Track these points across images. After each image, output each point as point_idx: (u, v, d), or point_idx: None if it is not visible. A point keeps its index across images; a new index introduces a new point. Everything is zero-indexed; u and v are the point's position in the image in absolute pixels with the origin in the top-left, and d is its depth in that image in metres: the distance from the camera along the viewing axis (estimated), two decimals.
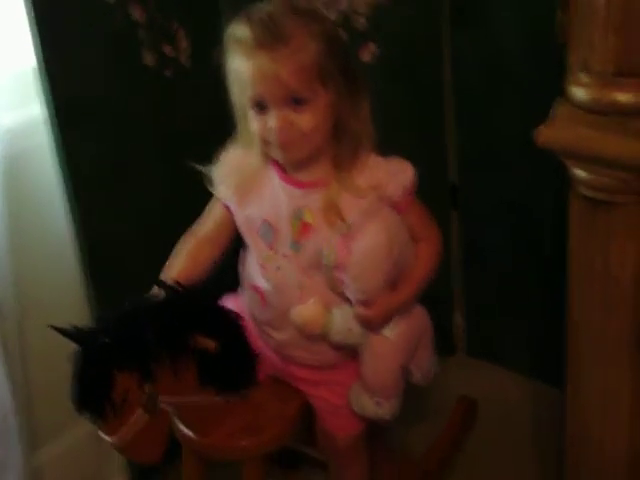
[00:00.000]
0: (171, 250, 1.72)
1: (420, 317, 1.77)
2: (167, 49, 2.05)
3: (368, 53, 2.13)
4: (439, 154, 2.38)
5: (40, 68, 1.82)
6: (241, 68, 1.55)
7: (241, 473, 1.73)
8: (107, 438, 1.49)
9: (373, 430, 1.87)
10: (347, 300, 1.65)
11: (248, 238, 1.71)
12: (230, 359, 1.61)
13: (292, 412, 1.77)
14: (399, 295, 1.68)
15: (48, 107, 1.85)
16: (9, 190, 1.87)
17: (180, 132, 2.11)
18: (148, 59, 2.02)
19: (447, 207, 2.44)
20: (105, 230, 2.01)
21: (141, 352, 1.46)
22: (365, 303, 1.63)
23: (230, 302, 1.81)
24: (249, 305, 1.77)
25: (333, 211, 1.61)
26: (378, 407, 1.72)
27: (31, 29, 1.78)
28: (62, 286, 2.07)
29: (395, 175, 1.63)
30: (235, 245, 1.76)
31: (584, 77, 1.34)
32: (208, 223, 1.76)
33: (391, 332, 1.69)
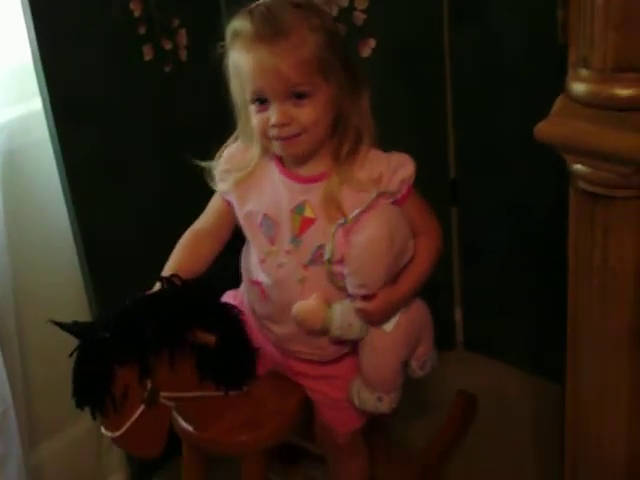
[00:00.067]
0: (171, 246, 1.72)
1: (420, 311, 1.77)
2: (166, 45, 2.05)
3: (368, 49, 2.13)
4: (439, 150, 2.38)
5: (37, 64, 1.81)
6: (241, 62, 1.55)
7: (241, 468, 1.73)
8: (107, 433, 1.49)
9: (372, 424, 1.87)
10: (348, 295, 1.65)
11: (249, 233, 1.71)
12: (230, 354, 1.62)
13: (292, 407, 1.77)
14: (399, 289, 1.67)
15: (46, 103, 1.85)
16: (8, 185, 1.88)
17: (180, 128, 2.11)
18: (147, 55, 2.02)
19: (447, 203, 2.44)
20: (104, 226, 2.01)
21: (141, 346, 1.47)
22: (365, 297, 1.63)
23: (231, 298, 1.81)
24: (249, 299, 1.77)
25: (333, 205, 1.61)
26: (378, 401, 1.72)
27: (28, 24, 1.78)
28: (61, 282, 2.07)
29: (395, 169, 1.63)
30: (237, 243, 1.76)
31: (583, 72, 1.34)
32: (209, 218, 1.76)
33: (391, 326, 1.69)
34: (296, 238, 1.64)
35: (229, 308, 1.65)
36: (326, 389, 1.77)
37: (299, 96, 1.53)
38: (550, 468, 2.08)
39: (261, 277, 1.70)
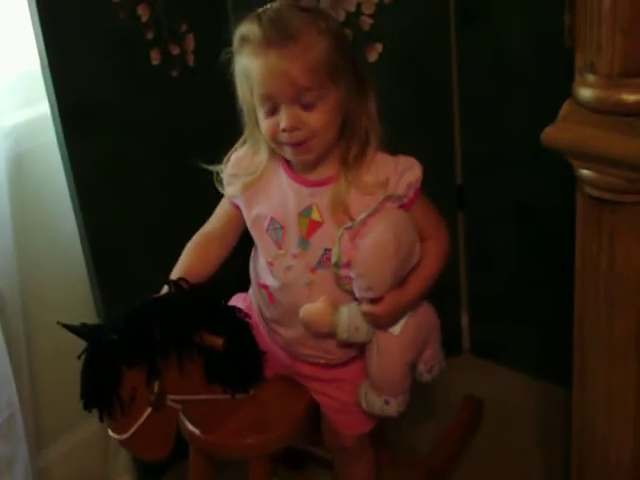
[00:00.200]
0: (177, 250, 1.73)
1: (427, 315, 1.77)
2: (174, 50, 2.05)
3: (375, 53, 2.13)
4: (446, 155, 2.38)
5: (45, 69, 1.82)
6: (250, 67, 1.55)
7: (247, 471, 1.73)
8: (114, 435, 1.50)
9: (379, 428, 1.87)
10: (355, 298, 1.66)
11: (256, 237, 1.71)
12: (237, 357, 1.62)
13: (298, 410, 1.77)
14: (407, 292, 1.67)
15: (53, 108, 1.86)
16: (15, 189, 1.89)
17: (187, 133, 2.11)
18: (154, 60, 2.02)
19: (454, 208, 2.44)
20: (111, 229, 2.01)
21: (149, 349, 1.47)
22: (372, 300, 1.63)
23: (240, 301, 1.82)
24: (257, 303, 1.78)
25: (341, 208, 1.61)
26: (385, 405, 1.72)
27: (36, 29, 1.79)
28: (68, 285, 2.08)
29: (402, 172, 1.63)
30: (246, 246, 1.76)
31: (591, 78, 1.34)
32: (217, 222, 1.77)
33: (398, 329, 1.69)
34: (304, 241, 1.64)
35: (236, 311, 1.65)
36: (334, 392, 1.77)
37: (308, 101, 1.54)
38: (556, 472, 2.09)
39: (269, 280, 1.70)
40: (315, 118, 1.55)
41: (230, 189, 1.72)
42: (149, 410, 1.49)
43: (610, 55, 1.30)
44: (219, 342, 1.52)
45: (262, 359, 1.71)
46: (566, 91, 1.42)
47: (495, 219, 2.40)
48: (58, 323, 1.46)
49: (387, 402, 1.72)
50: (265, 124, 1.58)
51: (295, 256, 1.66)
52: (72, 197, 1.95)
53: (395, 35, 2.12)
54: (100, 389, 1.44)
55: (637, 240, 1.38)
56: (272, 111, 1.56)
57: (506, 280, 2.45)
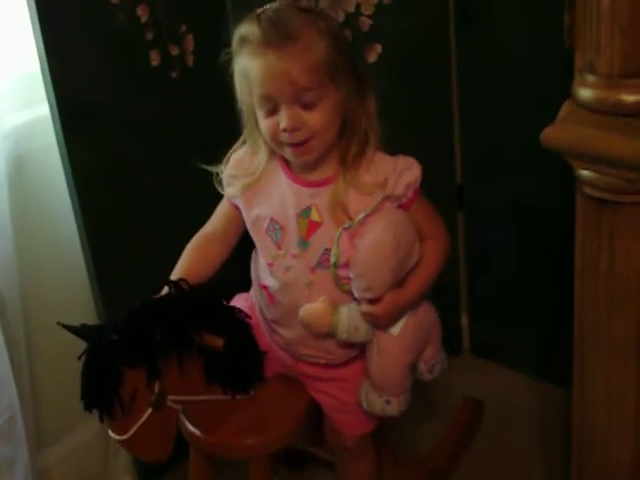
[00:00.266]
0: (177, 251, 1.73)
1: (427, 314, 1.77)
2: (173, 50, 2.05)
3: (374, 54, 2.13)
4: (445, 155, 2.38)
5: (44, 70, 1.82)
6: (250, 67, 1.55)
7: (248, 472, 1.73)
8: (115, 436, 1.50)
9: (381, 428, 1.87)
10: (355, 298, 1.66)
11: (256, 237, 1.72)
12: (237, 357, 1.62)
13: (299, 410, 1.77)
14: (406, 292, 1.67)
15: (53, 109, 1.86)
16: (15, 191, 1.89)
17: (187, 133, 2.12)
18: (154, 60, 2.02)
19: (453, 208, 2.44)
20: (111, 230, 2.01)
21: (149, 349, 1.47)
22: (371, 300, 1.63)
23: (242, 301, 1.82)
24: (258, 303, 1.78)
25: (340, 208, 1.61)
26: (386, 404, 1.72)
27: (35, 31, 1.79)
28: (68, 286, 2.08)
29: (401, 172, 1.63)
30: (248, 247, 1.76)
31: (590, 78, 1.34)
32: (217, 223, 1.77)
33: (398, 329, 1.69)
34: (303, 242, 1.64)
35: (236, 312, 1.65)
36: (335, 392, 1.78)
37: (308, 101, 1.54)
38: (556, 473, 2.09)
39: (269, 281, 1.70)
40: (315, 118, 1.55)
41: (230, 190, 1.72)
42: (149, 411, 1.49)
43: (609, 55, 1.30)
44: (219, 342, 1.52)
45: (262, 359, 1.71)
46: (565, 92, 1.42)
47: (495, 219, 2.40)
48: (58, 324, 1.47)
49: (388, 402, 1.72)
50: (265, 124, 1.59)
51: (295, 256, 1.66)
52: (72, 198, 1.95)
53: (394, 36, 2.12)
54: (100, 390, 1.44)
55: (637, 240, 1.38)
56: (272, 111, 1.56)
57: (506, 280, 2.45)
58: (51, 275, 2.04)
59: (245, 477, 1.74)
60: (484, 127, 2.30)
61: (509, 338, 2.50)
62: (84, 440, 2.17)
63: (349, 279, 1.62)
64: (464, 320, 2.63)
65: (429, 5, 2.17)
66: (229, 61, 1.61)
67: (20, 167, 1.91)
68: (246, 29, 1.55)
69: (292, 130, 1.55)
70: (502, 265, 2.44)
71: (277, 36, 1.51)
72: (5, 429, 1.90)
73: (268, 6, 1.58)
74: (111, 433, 1.50)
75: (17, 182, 1.90)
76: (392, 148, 1.66)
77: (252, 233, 1.72)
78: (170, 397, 1.54)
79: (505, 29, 2.14)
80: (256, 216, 1.69)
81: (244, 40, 1.55)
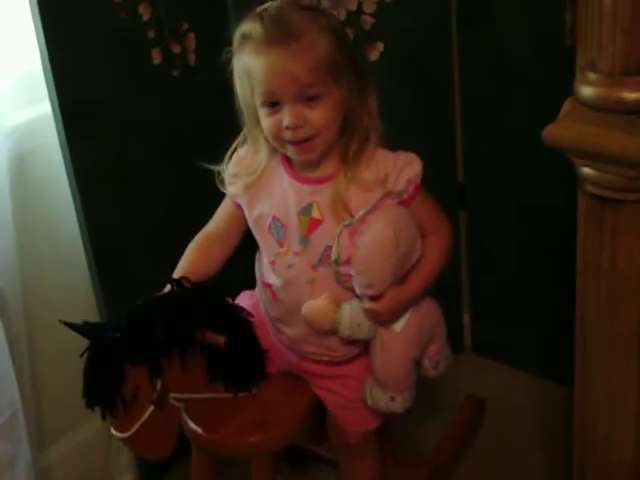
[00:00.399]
0: (179, 250, 1.73)
1: (431, 310, 1.77)
2: (175, 49, 2.05)
3: (376, 52, 2.13)
4: (447, 154, 2.38)
5: (46, 68, 1.82)
6: (252, 66, 1.55)
7: (250, 470, 1.73)
8: (117, 433, 1.50)
9: (385, 425, 1.87)
10: (357, 295, 1.66)
11: (258, 236, 1.71)
12: (239, 355, 1.62)
13: (301, 408, 1.77)
14: (408, 289, 1.67)
15: (54, 107, 1.86)
16: (17, 189, 1.89)
17: (188, 132, 2.12)
18: (156, 59, 2.02)
19: (455, 207, 2.44)
20: (112, 229, 2.01)
21: (151, 347, 1.47)
22: (373, 297, 1.63)
23: (247, 298, 1.82)
24: (263, 302, 1.78)
25: (341, 205, 1.61)
26: (391, 401, 1.72)
27: (37, 29, 1.79)
28: (69, 285, 2.08)
29: (402, 168, 1.63)
30: (252, 245, 1.77)
31: (591, 76, 1.34)
32: (219, 221, 1.77)
33: (401, 326, 1.69)
34: (304, 239, 1.64)
35: (238, 309, 1.65)
36: (340, 389, 1.77)
37: (311, 98, 1.54)
38: (558, 471, 2.09)
39: (271, 279, 1.70)
40: (318, 115, 1.55)
41: (232, 189, 1.72)
42: (151, 408, 1.49)
43: (611, 53, 1.30)
44: (221, 340, 1.52)
45: (264, 357, 1.71)
46: (567, 92, 1.42)
47: (497, 219, 2.40)
48: (60, 321, 1.46)
49: (392, 398, 1.72)
50: (267, 122, 1.58)
51: (296, 254, 1.66)
52: (74, 197, 1.95)
53: (396, 34, 2.12)
54: (103, 387, 1.44)
55: (639, 238, 1.38)
56: (274, 109, 1.56)
57: (508, 279, 2.45)
58: (53, 273, 2.05)
59: (247, 475, 1.74)
60: (486, 126, 2.30)
61: (511, 337, 2.50)
62: (86, 438, 2.17)
63: (350, 276, 1.62)
64: (466, 319, 2.63)
65: (431, 4, 2.17)
66: (231, 60, 1.61)
67: (22, 165, 1.92)
68: (248, 27, 1.55)
69: (295, 128, 1.55)
70: (504, 264, 2.44)
71: (280, 34, 1.51)
72: (6, 427, 1.90)
73: (270, 4, 1.58)
74: (113, 431, 1.50)
75: (19, 180, 1.90)
76: (394, 147, 1.66)
77: (254, 231, 1.72)
78: (172, 395, 1.54)
79: (507, 29, 2.14)
80: (258, 214, 1.69)
81: (246, 38, 1.55)
